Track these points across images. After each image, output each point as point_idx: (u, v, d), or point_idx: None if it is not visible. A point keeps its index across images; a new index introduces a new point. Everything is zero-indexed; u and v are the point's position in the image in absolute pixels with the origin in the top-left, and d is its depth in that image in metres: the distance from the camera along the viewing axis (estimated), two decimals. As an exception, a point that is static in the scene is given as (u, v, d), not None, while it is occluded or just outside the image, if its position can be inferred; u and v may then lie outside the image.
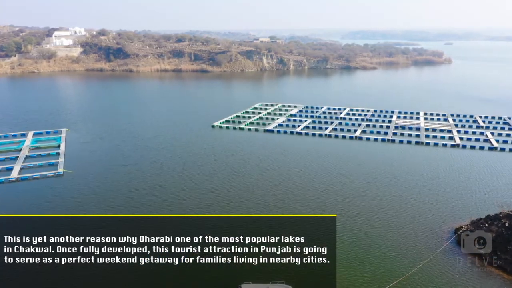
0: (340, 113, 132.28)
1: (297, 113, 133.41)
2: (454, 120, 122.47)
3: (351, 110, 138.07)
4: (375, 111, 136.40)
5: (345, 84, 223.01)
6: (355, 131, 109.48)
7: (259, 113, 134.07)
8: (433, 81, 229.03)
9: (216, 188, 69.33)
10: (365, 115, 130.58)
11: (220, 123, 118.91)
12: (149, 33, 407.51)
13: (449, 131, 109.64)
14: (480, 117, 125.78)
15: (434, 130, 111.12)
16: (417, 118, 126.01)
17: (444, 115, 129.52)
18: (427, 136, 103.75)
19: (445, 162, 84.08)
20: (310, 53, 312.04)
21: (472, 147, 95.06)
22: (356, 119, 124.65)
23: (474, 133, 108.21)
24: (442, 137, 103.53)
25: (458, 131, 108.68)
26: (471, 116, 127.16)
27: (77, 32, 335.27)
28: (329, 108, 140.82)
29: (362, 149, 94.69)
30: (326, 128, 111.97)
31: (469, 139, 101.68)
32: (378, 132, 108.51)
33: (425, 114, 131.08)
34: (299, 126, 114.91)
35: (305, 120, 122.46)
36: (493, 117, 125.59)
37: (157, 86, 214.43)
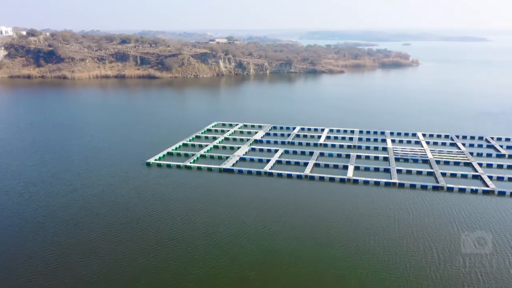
0: (319, 137, 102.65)
1: (263, 138, 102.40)
2: (464, 144, 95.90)
3: (331, 131, 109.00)
4: (360, 132, 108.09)
5: (313, 92, 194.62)
6: (345, 167, 79.89)
7: (214, 138, 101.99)
8: (409, 87, 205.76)
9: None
10: (351, 139, 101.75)
11: (160, 157, 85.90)
12: (89, 34, 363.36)
13: (468, 164, 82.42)
14: (492, 138, 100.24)
15: (447, 163, 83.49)
16: (417, 143, 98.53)
17: (447, 137, 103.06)
18: (443, 175, 75.76)
19: (491, 223, 55.98)
20: (271, 55, 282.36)
21: (514, 194, 67.77)
22: (341, 147, 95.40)
23: (500, 166, 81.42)
24: (464, 176, 75.85)
25: (480, 164, 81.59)
26: (481, 138, 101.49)
27: (3, 32, 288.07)
28: (303, 129, 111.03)
29: (361, 200, 65.02)
30: (306, 164, 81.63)
31: (500, 178, 74.52)
32: (377, 169, 79.32)
33: (424, 135, 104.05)
34: (268, 160, 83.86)
35: (275, 150, 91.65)
36: (507, 139, 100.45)
37: (93, 98, 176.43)
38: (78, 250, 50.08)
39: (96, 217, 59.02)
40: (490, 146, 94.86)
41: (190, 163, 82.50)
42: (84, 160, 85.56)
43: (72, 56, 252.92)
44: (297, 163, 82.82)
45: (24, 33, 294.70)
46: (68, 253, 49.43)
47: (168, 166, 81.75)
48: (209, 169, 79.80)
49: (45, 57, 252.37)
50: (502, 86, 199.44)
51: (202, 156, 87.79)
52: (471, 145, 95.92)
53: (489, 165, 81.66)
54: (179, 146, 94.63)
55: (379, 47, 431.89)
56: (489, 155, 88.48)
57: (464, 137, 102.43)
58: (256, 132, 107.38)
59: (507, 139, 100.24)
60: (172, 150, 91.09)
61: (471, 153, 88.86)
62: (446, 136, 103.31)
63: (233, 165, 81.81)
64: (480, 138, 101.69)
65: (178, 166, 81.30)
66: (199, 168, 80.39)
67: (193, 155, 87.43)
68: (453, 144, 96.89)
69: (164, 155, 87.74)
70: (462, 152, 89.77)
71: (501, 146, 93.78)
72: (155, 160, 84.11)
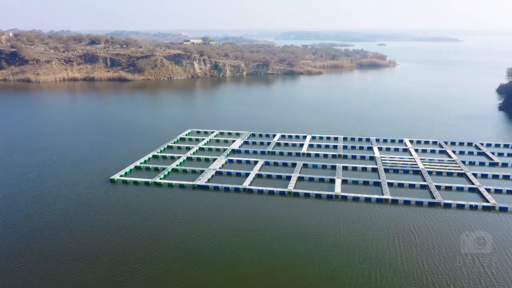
0: (301, 146, 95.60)
1: (241, 148, 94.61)
2: (454, 152, 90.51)
3: (313, 138, 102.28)
4: (345, 139, 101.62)
5: (292, 94, 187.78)
6: (332, 181, 72.94)
7: (188, 148, 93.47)
8: (388, 89, 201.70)
9: None
10: (335, 147, 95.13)
11: (126, 173, 76.91)
12: (57, 34, 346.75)
13: (462, 175, 76.80)
14: (482, 144, 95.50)
15: (440, 173, 77.71)
16: (405, 150, 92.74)
17: (436, 143, 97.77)
18: (438, 188, 69.76)
19: (504, 248, 49.95)
20: (248, 56, 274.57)
21: (516, 210, 62.15)
22: (326, 156, 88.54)
23: (496, 176, 76.14)
24: (460, 189, 70.04)
25: (474, 175, 76.04)
26: (471, 144, 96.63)
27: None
28: (283, 136, 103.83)
29: (354, 222, 58.05)
30: (289, 178, 74.25)
31: (498, 191, 69.07)
32: (366, 183, 72.68)
33: (411, 142, 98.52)
34: (247, 174, 76.07)
35: (255, 162, 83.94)
36: (497, 145, 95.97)
37: (58, 104, 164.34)
38: (18, 299, 41.09)
39: (47, 252, 49.87)
40: (481, 154, 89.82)
41: (160, 179, 73.83)
42: (41, 178, 75.61)
43: (36, 58, 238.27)
44: (279, 177, 75.37)
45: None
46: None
47: (136, 183, 72.83)
48: (182, 186, 71.39)
49: (7, 59, 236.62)
50: (482, 87, 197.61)
51: (174, 170, 79.23)
52: (462, 152, 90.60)
53: (484, 176, 76.25)
54: (148, 158, 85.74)
55: (356, 48, 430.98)
56: (482, 164, 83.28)
57: (453, 143, 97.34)
58: (233, 141, 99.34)
59: (497, 145, 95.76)
60: (141, 163, 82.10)
61: (463, 162, 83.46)
62: (434, 143, 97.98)
63: (209, 180, 73.58)
64: (470, 144, 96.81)
65: (147, 183, 72.52)
66: (170, 185, 71.85)
67: (163, 169, 78.70)
68: (442, 152, 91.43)
69: (131, 169, 78.72)
70: (454, 160, 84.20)
71: (493, 153, 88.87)
72: (121, 176, 74.99)
